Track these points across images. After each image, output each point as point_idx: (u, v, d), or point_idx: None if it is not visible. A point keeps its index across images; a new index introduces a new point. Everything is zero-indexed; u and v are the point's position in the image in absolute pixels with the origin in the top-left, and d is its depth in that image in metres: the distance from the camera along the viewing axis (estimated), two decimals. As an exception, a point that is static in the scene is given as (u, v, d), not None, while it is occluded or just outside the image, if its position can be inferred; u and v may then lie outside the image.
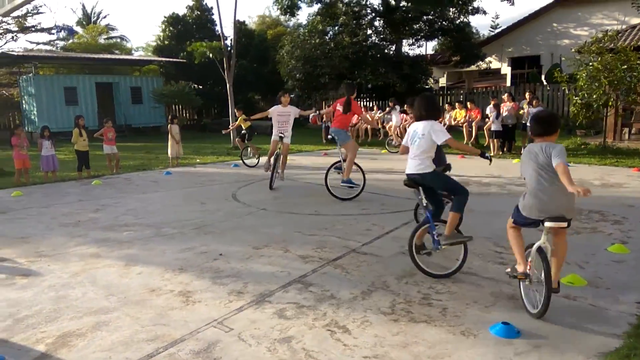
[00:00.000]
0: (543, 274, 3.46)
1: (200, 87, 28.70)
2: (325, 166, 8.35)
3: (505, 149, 13.10)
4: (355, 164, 7.91)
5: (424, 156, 4.45)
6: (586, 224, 6.01)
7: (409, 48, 24.15)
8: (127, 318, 3.73)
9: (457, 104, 15.76)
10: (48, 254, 5.35)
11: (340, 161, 8.01)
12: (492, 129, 12.95)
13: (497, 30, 27.04)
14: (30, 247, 5.61)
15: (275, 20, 35.71)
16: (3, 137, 16.97)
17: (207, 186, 9.49)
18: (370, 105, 23.47)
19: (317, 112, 10.35)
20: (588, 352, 3.10)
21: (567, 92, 14.02)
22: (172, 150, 12.40)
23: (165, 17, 29.00)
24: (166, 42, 28.64)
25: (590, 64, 12.29)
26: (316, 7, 22.58)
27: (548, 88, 19.63)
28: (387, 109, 16.20)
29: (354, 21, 21.25)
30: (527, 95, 13.72)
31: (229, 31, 23.77)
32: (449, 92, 23.60)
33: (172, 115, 13.20)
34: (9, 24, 24.06)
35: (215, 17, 29.34)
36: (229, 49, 18.21)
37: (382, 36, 22.45)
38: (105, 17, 46.55)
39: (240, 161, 12.45)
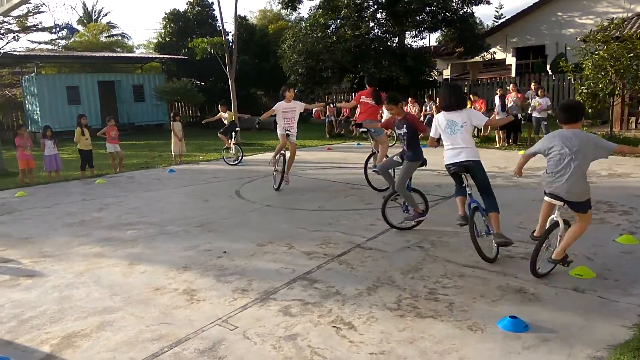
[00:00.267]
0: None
1: (203, 83, 28.63)
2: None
3: (511, 141, 13.00)
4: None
5: (472, 144, 4.64)
6: (594, 215, 5.91)
7: (412, 40, 23.95)
8: (131, 317, 3.71)
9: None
10: (52, 254, 5.35)
11: (374, 152, 8.01)
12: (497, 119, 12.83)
13: (501, 21, 26.77)
14: (34, 248, 5.60)
15: (276, 15, 35.56)
16: (6, 138, 16.99)
17: (210, 183, 9.47)
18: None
19: (333, 103, 10.26)
20: (597, 345, 3.05)
21: (572, 81, 13.87)
22: (175, 147, 12.38)
23: (166, 13, 28.92)
24: (167, 39, 28.56)
25: (596, 52, 12.14)
26: (317, 0, 22.44)
27: (553, 78, 19.45)
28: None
29: (356, 14, 21.07)
30: (532, 85, 13.60)
31: (230, 27, 23.64)
32: (452, 83, 23.40)
33: (174, 113, 13.14)
34: (10, 23, 24.04)
35: (216, 12, 29.26)
36: (230, 44, 18.14)
37: (384, 29, 22.26)
38: (106, 15, 46.68)
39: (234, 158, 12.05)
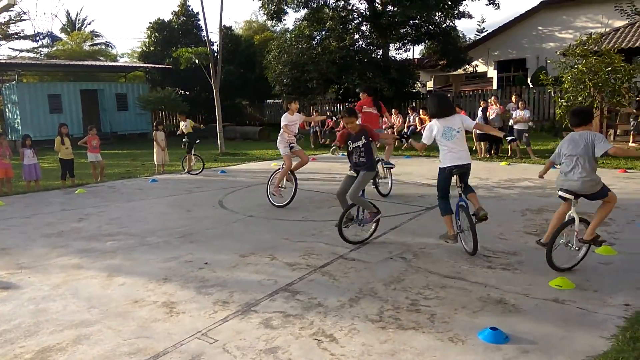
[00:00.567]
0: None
1: (187, 93, 28.53)
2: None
3: (492, 152, 13.15)
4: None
5: (466, 147, 5.06)
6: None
7: (396, 52, 24.22)
8: (108, 331, 3.64)
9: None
10: (29, 265, 5.23)
11: (380, 159, 8.05)
12: (478, 132, 12.97)
13: (483, 34, 27.21)
14: (11, 259, 5.48)
15: (262, 26, 35.66)
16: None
17: (193, 193, 9.39)
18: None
19: (336, 117, 10.28)
20: (576, 356, 3.07)
21: (552, 94, 14.13)
22: (158, 157, 12.27)
23: (150, 23, 28.84)
24: (152, 48, 28.47)
25: (575, 66, 12.39)
26: (303, 12, 22.58)
27: (534, 91, 19.79)
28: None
29: (341, 26, 21.26)
30: (513, 98, 13.81)
31: (215, 37, 23.67)
32: (436, 95, 23.62)
33: (157, 122, 13.02)
34: (-9, 31, 23.77)
35: (202, 22, 29.24)
36: (215, 54, 18.13)
37: (369, 41, 22.50)
38: (90, 23, 46.31)
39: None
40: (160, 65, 26.56)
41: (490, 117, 12.79)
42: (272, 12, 22.61)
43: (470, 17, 22.29)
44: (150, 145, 13.30)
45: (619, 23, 17.87)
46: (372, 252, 5.29)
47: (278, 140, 7.87)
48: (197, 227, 6.64)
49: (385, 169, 8.21)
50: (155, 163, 12.43)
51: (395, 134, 15.38)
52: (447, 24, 22.22)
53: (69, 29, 36.44)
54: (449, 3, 21.23)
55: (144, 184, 10.69)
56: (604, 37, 14.20)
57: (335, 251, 5.34)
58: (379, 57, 22.53)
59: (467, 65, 23.68)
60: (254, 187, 9.67)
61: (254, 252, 5.41)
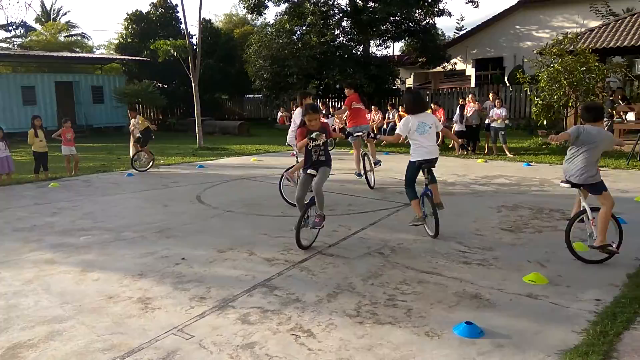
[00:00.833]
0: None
1: (165, 86, 28.16)
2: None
3: (469, 149, 13.30)
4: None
5: (435, 143, 5.54)
6: (547, 223, 6.14)
7: (376, 49, 24.34)
8: (82, 327, 3.57)
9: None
10: (0, 260, 5.11)
11: (366, 154, 8.21)
12: (455, 129, 13.11)
13: (462, 33, 27.50)
14: (-20, 254, 5.33)
15: (242, 19, 35.38)
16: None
17: (171, 188, 9.28)
18: (339, 105, 23.51)
19: (330, 114, 10.18)
20: (548, 350, 3.13)
21: (529, 93, 14.36)
22: (134, 150, 12.07)
23: (128, 14, 28.38)
24: (129, 40, 27.98)
25: (551, 65, 12.62)
26: (283, 6, 22.47)
27: (511, 89, 20.10)
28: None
29: (322, 21, 21.22)
30: (490, 96, 13.99)
31: (194, 29, 23.40)
32: (415, 92, 23.79)
33: (130, 108, 12.54)
34: (-39, 20, 23.04)
35: (180, 15, 28.82)
36: (194, 47, 17.91)
37: (349, 37, 22.51)
38: (65, 14, 45.27)
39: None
40: (137, 58, 26.12)
41: (468, 115, 12.95)
42: (252, 5, 22.45)
43: (450, 15, 22.57)
44: (126, 139, 13.09)
45: (594, 23, 18.24)
46: (351, 248, 5.30)
47: (289, 136, 7.60)
48: (174, 222, 6.56)
49: (372, 163, 8.33)
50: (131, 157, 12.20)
51: (375, 130, 15.54)
52: (427, 21, 22.40)
53: (43, 19, 35.52)
54: (429, 0, 21.39)
55: (119, 178, 10.51)
56: (579, 37, 14.47)
57: (313, 246, 5.34)
58: (359, 53, 22.57)
59: (446, 63, 23.89)
60: (232, 182, 9.60)
61: (232, 247, 5.38)
